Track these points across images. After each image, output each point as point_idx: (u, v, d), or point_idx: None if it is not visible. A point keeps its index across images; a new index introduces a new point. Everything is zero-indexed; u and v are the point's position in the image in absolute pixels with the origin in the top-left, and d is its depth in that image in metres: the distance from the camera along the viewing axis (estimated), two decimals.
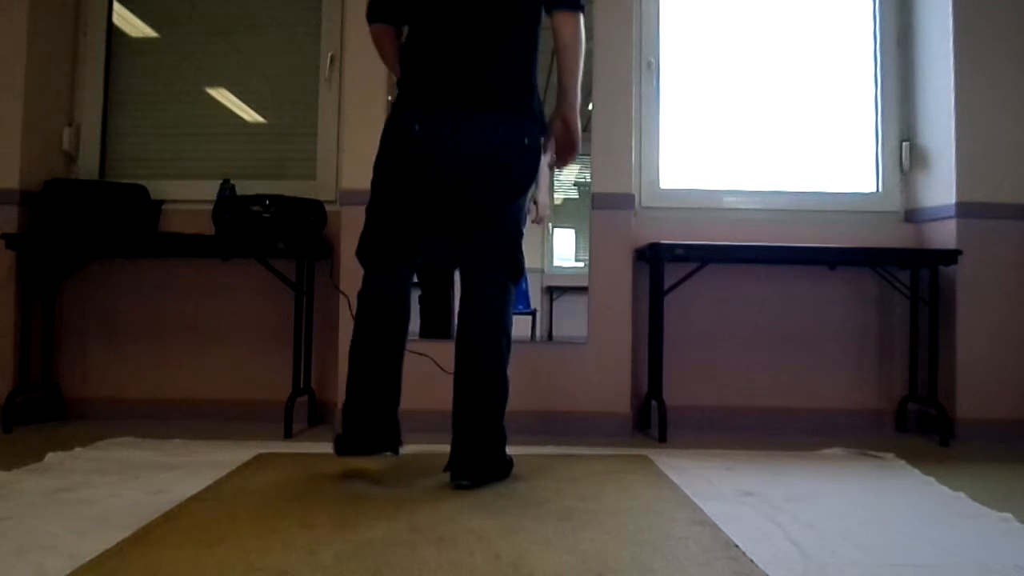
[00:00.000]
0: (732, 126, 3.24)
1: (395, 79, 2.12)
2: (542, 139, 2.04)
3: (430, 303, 2.97)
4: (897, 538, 1.58)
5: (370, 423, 1.97)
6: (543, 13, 2.03)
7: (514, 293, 2.07)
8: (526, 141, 1.98)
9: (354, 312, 2.04)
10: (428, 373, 2.63)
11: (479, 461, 1.95)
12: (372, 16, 2.10)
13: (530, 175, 2.03)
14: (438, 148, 1.95)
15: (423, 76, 2.00)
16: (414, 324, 2.16)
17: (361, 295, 2.04)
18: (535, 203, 2.98)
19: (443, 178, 1.97)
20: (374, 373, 1.98)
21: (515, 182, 2.01)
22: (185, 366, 3.06)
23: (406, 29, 2.11)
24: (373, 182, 2.04)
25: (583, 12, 2.01)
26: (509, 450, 2.09)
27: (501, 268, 2.02)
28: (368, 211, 2.05)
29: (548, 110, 2.12)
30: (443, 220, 2.07)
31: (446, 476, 1.95)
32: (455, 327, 2.06)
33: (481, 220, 2.01)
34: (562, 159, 2.14)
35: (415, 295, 2.79)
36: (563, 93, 2.06)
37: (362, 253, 2.05)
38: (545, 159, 2.11)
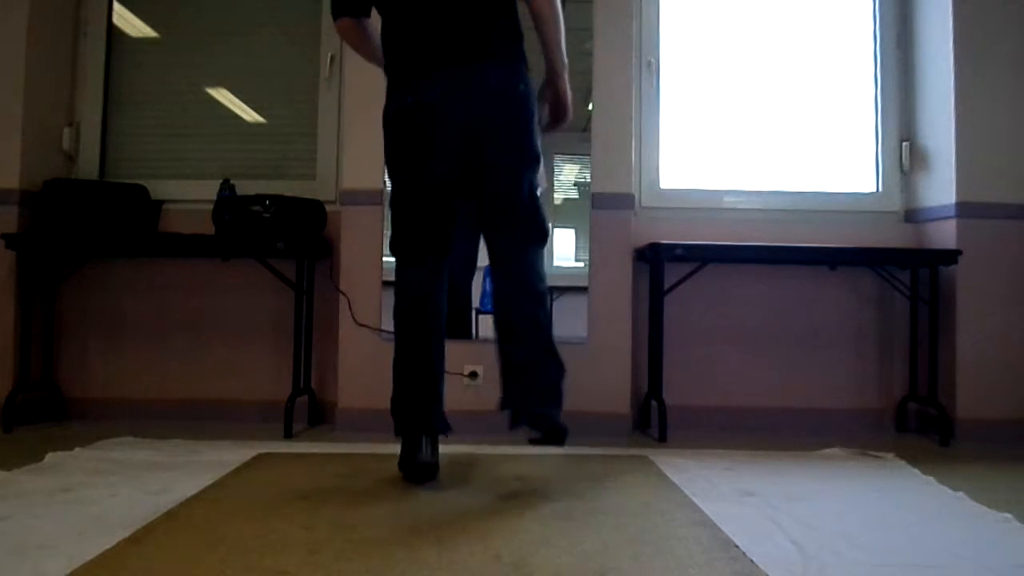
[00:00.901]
0: (732, 126, 3.24)
1: (382, 69, 2.10)
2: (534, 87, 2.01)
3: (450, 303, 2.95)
4: (897, 538, 1.58)
5: (429, 417, 1.97)
6: None
7: (542, 255, 2.05)
8: (520, 87, 1.96)
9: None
10: None
11: (544, 392, 1.94)
12: (336, 11, 2.09)
13: (530, 125, 1.99)
14: (435, 113, 1.94)
15: (403, 49, 2.00)
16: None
17: (396, 288, 2.05)
18: None
19: (448, 142, 1.96)
20: (417, 365, 1.99)
21: (519, 132, 1.98)
22: (185, 366, 3.06)
23: (371, 24, 2.11)
24: (388, 172, 2.05)
25: None
26: (509, 448, 2.09)
27: (525, 228, 2.00)
28: (391, 204, 2.06)
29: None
30: (462, 210, 2.05)
31: (446, 475, 1.96)
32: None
33: (495, 181, 1.99)
34: (554, 124, 2.15)
35: None
36: (549, 64, 2.05)
37: (393, 246, 2.06)
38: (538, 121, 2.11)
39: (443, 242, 2.05)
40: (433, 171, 1.99)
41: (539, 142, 2.03)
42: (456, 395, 2.71)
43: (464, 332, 2.95)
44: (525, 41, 2.03)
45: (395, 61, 2.02)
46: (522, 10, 2.03)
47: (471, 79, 1.93)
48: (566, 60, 2.05)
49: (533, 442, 1.94)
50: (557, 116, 2.14)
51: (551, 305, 2.02)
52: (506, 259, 2.02)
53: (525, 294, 1.99)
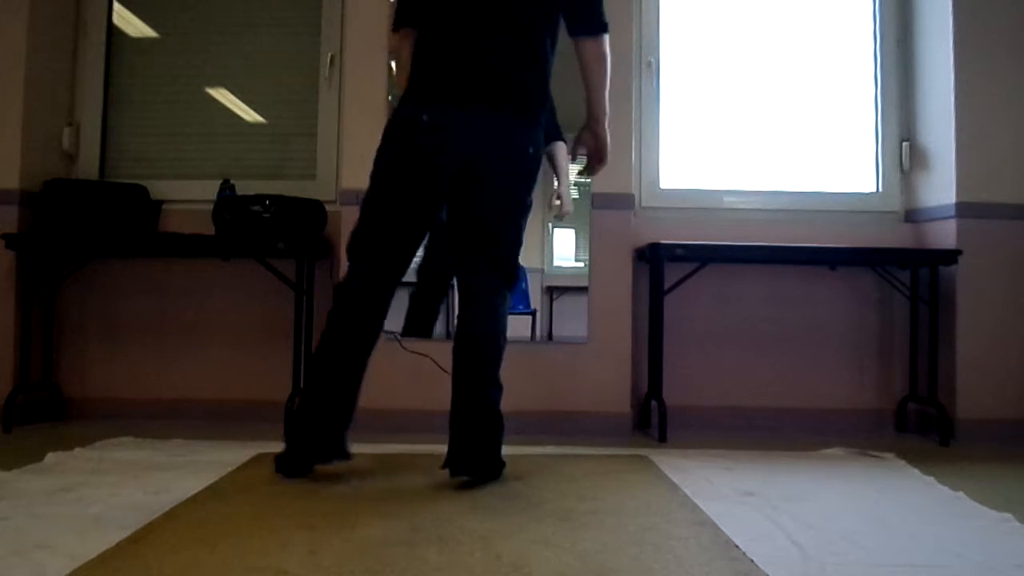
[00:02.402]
0: (732, 126, 3.24)
1: (399, 82, 2.09)
2: (546, 149, 2.06)
3: (420, 303, 2.94)
4: (897, 538, 1.58)
5: (320, 435, 1.96)
6: (560, 25, 2.02)
7: (509, 298, 2.10)
8: (531, 150, 1.99)
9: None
10: (427, 373, 2.63)
11: (478, 456, 1.96)
12: (400, 22, 2.06)
13: (530, 185, 2.04)
14: (446, 138, 1.94)
15: (435, 71, 1.98)
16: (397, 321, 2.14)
17: (340, 288, 2.02)
18: (559, 199, 2.99)
19: (448, 170, 1.95)
20: (336, 379, 1.96)
21: (517, 189, 2.02)
22: (185, 366, 3.06)
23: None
24: (373, 178, 2.01)
25: (606, 33, 1.99)
26: (508, 449, 2.09)
27: (498, 274, 2.05)
28: (364, 208, 2.02)
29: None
30: (438, 225, 2.06)
31: (446, 475, 1.95)
32: (450, 329, 2.06)
33: (482, 227, 2.01)
34: (593, 169, 2.17)
35: (407, 292, 2.78)
36: (592, 110, 2.06)
37: (352, 250, 2.02)
38: (574, 166, 2.17)
39: (402, 259, 2.03)
40: (421, 192, 1.97)
41: (530, 201, 2.06)
42: (449, 396, 2.71)
43: (425, 331, 2.94)
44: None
45: (422, 76, 1.99)
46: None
47: (489, 125, 1.94)
48: (608, 108, 2.06)
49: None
50: (596, 161, 2.14)
51: (503, 353, 2.05)
52: (475, 299, 2.04)
53: (485, 343, 2.02)
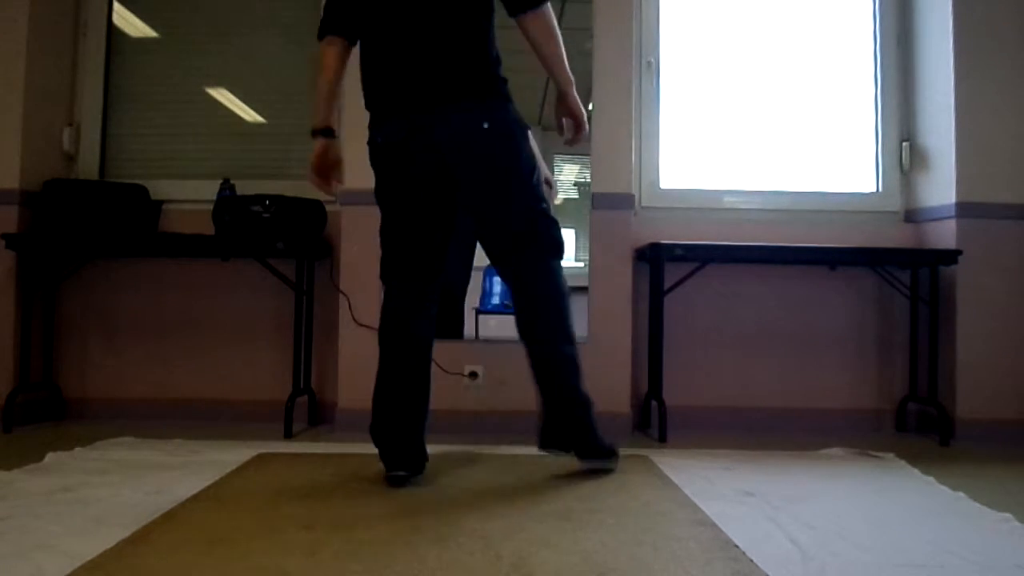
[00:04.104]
0: (732, 126, 3.24)
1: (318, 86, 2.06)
2: (516, 117, 2.01)
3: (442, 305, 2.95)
4: (897, 538, 1.58)
5: (402, 446, 1.96)
6: (493, 5, 2.00)
7: (559, 267, 2.05)
8: (486, 124, 1.94)
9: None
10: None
11: (570, 432, 2.03)
12: (324, 30, 2.03)
13: (510, 152, 1.99)
14: (403, 154, 1.96)
15: (374, 89, 2.01)
16: None
17: (381, 316, 2.05)
18: (547, 183, 2.98)
19: (421, 181, 1.97)
20: (400, 394, 1.99)
21: (503, 165, 1.98)
22: (185, 366, 3.06)
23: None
24: (376, 201, 2.06)
25: (546, 3, 1.95)
26: (509, 449, 2.09)
27: (533, 244, 2.01)
28: (380, 233, 2.07)
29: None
30: (452, 230, 2.07)
31: (446, 475, 1.96)
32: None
33: (494, 216, 2.01)
34: (575, 139, 2.11)
35: None
36: (556, 82, 2.02)
37: (382, 275, 2.06)
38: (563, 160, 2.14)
39: (429, 268, 2.04)
40: (412, 206, 2.00)
41: (528, 165, 2.02)
42: (456, 395, 2.71)
43: (455, 333, 2.92)
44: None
45: (368, 98, 2.03)
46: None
47: (434, 125, 1.94)
48: (571, 75, 2.02)
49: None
50: (577, 129, 2.09)
51: (569, 315, 2.03)
52: (523, 274, 2.02)
53: (545, 322, 2.01)
